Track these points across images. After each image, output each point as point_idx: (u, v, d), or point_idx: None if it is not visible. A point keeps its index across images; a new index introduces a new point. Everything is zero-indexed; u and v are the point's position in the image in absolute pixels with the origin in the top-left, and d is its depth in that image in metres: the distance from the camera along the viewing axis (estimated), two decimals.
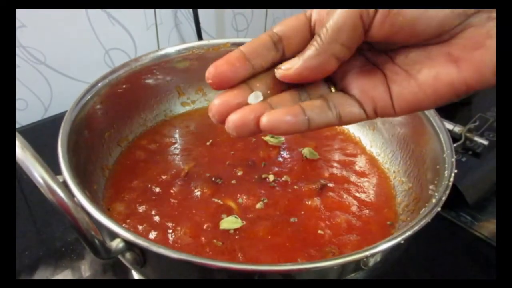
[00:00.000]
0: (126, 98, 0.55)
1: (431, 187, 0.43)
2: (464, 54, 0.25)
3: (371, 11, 0.25)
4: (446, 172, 0.41)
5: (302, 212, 0.46)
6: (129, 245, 0.32)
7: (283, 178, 0.50)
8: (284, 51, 0.29)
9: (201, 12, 0.84)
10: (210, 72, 0.27)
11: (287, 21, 0.29)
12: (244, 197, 0.47)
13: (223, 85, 0.28)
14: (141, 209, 0.46)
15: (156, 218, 0.44)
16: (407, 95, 0.28)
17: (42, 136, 0.46)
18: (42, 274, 0.49)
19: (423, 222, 0.35)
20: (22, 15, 0.65)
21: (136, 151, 0.54)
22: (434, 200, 0.38)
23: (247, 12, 0.95)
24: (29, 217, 0.56)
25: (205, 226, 0.44)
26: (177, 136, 0.58)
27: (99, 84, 0.50)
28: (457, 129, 0.68)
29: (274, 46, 0.28)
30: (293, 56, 0.29)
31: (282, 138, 0.57)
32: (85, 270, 0.50)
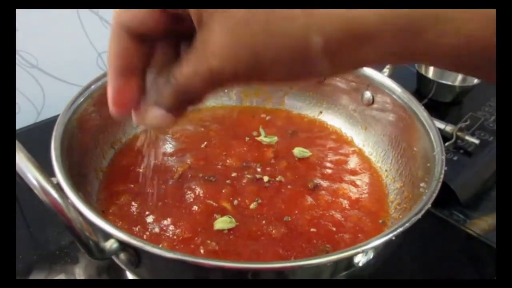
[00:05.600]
0: None
1: (422, 184, 0.43)
2: None
3: None
4: (436, 169, 0.41)
5: (296, 211, 0.46)
6: (123, 245, 0.33)
7: (277, 178, 0.50)
8: None
9: None
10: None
11: None
12: (238, 198, 0.48)
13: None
14: (135, 211, 0.46)
15: (150, 220, 0.45)
16: None
17: (35, 139, 0.46)
18: (36, 278, 0.49)
19: (414, 219, 0.35)
20: None
21: (129, 153, 0.55)
22: (424, 198, 0.38)
23: None
24: (23, 221, 0.56)
25: (199, 227, 0.44)
26: (170, 137, 0.58)
27: (92, 87, 0.50)
28: (449, 128, 0.69)
29: None
30: None
31: (275, 138, 0.58)
32: (80, 273, 0.50)
